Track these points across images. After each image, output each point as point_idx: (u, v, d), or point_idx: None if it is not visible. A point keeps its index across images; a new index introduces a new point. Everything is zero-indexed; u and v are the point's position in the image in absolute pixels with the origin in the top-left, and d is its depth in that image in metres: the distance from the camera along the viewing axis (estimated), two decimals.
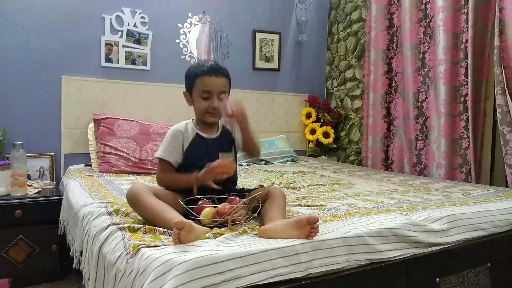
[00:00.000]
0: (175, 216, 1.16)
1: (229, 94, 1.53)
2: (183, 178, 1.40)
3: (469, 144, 2.38)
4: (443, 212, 1.40)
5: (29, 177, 2.46)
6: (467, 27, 2.37)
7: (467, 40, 2.38)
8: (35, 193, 2.29)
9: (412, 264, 1.22)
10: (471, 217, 1.43)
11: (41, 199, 2.21)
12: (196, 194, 1.34)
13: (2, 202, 2.12)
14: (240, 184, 1.95)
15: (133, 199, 1.26)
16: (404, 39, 2.80)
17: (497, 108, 2.19)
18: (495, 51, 2.17)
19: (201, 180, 1.34)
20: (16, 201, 2.15)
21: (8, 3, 2.51)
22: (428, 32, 2.67)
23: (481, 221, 1.44)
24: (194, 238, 1.04)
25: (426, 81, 2.67)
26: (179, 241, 1.00)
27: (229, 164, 1.35)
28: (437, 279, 1.29)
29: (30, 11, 2.57)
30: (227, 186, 1.42)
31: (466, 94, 2.40)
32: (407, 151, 2.83)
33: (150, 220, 1.21)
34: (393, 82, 2.98)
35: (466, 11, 2.39)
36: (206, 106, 1.44)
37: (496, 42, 2.17)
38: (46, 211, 2.18)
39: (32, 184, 2.39)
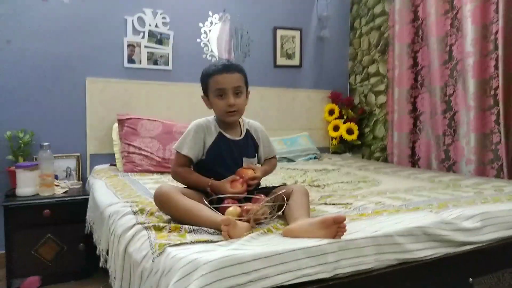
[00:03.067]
0: (213, 215, 1.17)
1: (248, 91, 1.50)
2: (198, 179, 1.40)
3: (500, 139, 2.29)
4: (476, 210, 1.34)
5: (56, 177, 2.52)
6: (497, 17, 2.27)
7: (497, 31, 2.28)
8: (62, 193, 2.33)
9: (443, 264, 1.18)
10: (506, 214, 1.37)
11: (68, 198, 2.25)
12: (213, 198, 1.34)
13: (31, 201, 2.17)
14: (263, 183, 1.93)
15: (164, 199, 1.25)
16: (430, 32, 2.72)
17: None
18: None
19: (216, 189, 1.34)
20: (44, 200, 2.20)
21: (30, 10, 2.56)
22: (455, 24, 2.58)
23: None
24: (240, 234, 1.06)
25: (454, 75, 2.59)
26: (229, 236, 1.04)
27: (252, 176, 1.35)
28: (470, 279, 1.24)
29: (52, 16, 2.61)
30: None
31: (497, 87, 2.30)
32: (435, 146, 2.74)
33: (184, 220, 1.19)
34: (419, 76, 2.90)
35: (496, 0, 2.29)
36: (223, 105, 1.41)
37: None
38: (73, 211, 2.22)
39: (59, 184, 2.44)
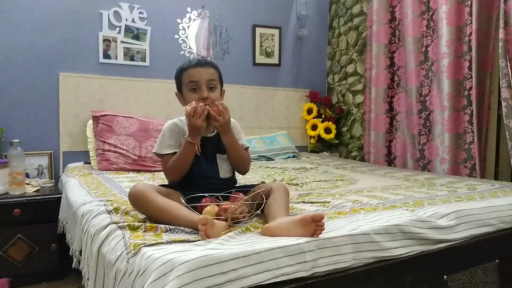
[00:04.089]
0: (190, 214, 1.15)
1: (222, 89, 1.48)
2: (180, 152, 1.36)
3: (473, 139, 2.35)
4: (450, 208, 1.37)
5: (27, 176, 2.43)
6: (471, 20, 2.33)
7: (471, 33, 2.34)
8: (33, 191, 2.26)
9: (419, 262, 1.19)
10: (479, 212, 1.40)
11: (40, 197, 2.18)
12: (199, 150, 1.32)
13: (0, 201, 2.09)
14: (241, 181, 1.92)
15: (139, 198, 1.22)
16: (407, 33, 2.76)
17: (502, 102, 2.15)
18: (500, 44, 2.13)
19: (192, 135, 1.32)
20: (15, 199, 2.12)
21: (3, 1, 2.47)
22: (431, 25, 2.63)
23: (488, 216, 1.41)
24: (217, 233, 1.04)
25: (429, 75, 2.64)
26: (206, 236, 1.01)
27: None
28: (445, 276, 1.26)
29: (26, 8, 2.53)
30: (228, 186, 1.39)
31: (470, 88, 2.36)
32: (410, 146, 2.79)
33: (160, 219, 1.17)
34: (396, 77, 2.94)
35: (470, 3, 2.35)
36: (196, 98, 1.38)
37: (501, 35, 2.13)
38: (45, 210, 2.15)
39: (31, 183, 2.36)
